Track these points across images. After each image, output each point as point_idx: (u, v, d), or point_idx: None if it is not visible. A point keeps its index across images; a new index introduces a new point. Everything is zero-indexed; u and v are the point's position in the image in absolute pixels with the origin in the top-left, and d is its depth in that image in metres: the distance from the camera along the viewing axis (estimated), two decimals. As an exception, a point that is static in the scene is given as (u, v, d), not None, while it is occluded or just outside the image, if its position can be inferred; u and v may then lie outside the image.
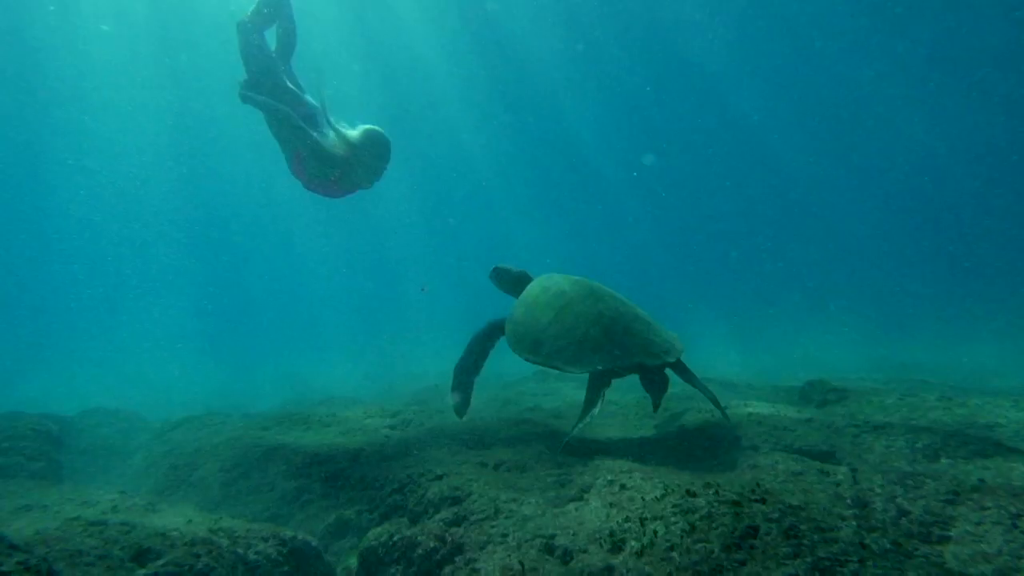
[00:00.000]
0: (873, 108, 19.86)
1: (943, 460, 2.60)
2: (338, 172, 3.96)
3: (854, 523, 1.67)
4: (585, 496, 2.32)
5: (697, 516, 1.78)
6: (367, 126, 4.12)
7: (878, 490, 1.92)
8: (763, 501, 1.82)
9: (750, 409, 3.55)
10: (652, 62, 19.21)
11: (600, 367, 2.97)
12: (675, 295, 30.17)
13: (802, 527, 1.63)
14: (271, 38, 4.36)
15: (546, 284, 3.56)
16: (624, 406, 4.46)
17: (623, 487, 2.28)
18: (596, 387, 3.07)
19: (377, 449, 3.41)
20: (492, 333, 3.72)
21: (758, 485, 2.01)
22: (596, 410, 2.93)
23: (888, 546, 1.54)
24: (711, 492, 1.93)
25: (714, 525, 1.70)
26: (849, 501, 1.87)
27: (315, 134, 3.86)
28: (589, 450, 2.99)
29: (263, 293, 36.83)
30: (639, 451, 3.04)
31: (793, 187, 25.61)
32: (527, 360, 3.20)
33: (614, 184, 27.20)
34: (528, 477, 2.63)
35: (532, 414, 4.40)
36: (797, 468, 2.38)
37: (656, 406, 3.28)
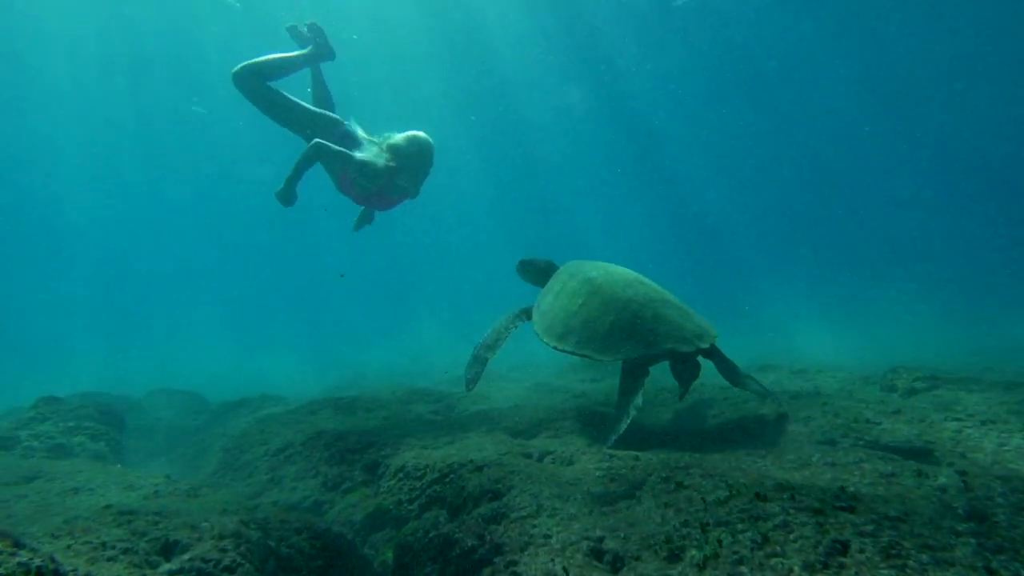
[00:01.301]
0: (965, 71, 17.90)
1: (1074, 463, 2.18)
2: (384, 182, 3.99)
3: (973, 541, 1.37)
4: (637, 494, 2.11)
5: (770, 525, 1.53)
6: (409, 132, 4.13)
7: (999, 500, 1.58)
8: (851, 509, 1.54)
9: (824, 399, 3.18)
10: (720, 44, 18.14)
11: (630, 355, 2.84)
12: (748, 279, 28.97)
13: (905, 544, 1.35)
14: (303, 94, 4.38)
15: (573, 271, 3.47)
16: (677, 392, 4.17)
17: (680, 485, 2.04)
18: (631, 377, 2.92)
19: (419, 436, 3.32)
20: (517, 317, 3.64)
21: (843, 489, 1.72)
22: (638, 400, 2.76)
23: None
24: (786, 496, 1.66)
25: (792, 537, 1.45)
26: (962, 512, 1.55)
27: (357, 153, 3.90)
28: (641, 440, 2.76)
29: (328, 282, 38.32)
30: (696, 443, 2.78)
31: (865, 159, 23.73)
32: (556, 349, 3.06)
33: (687, 166, 26.08)
34: (574, 470, 2.44)
35: (579, 401, 4.20)
36: (887, 468, 2.05)
37: (683, 394, 3.13)
